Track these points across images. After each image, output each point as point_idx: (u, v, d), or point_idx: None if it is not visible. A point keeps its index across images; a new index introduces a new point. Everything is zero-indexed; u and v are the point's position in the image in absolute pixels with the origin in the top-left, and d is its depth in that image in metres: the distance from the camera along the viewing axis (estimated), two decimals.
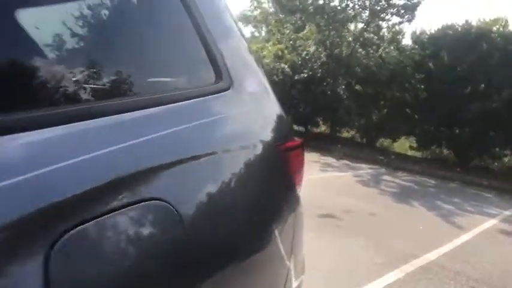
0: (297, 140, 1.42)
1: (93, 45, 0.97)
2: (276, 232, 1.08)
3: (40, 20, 0.99)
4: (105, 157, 0.67)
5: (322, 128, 14.03)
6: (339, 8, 11.21)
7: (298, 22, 11.92)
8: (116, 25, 0.97)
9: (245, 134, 1.06)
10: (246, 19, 16.08)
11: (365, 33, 11.91)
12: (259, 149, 1.08)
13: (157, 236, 0.69)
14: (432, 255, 3.80)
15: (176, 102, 0.89)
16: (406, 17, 10.98)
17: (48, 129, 0.62)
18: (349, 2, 11.19)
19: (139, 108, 0.79)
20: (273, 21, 12.68)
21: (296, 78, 11.73)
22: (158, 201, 0.70)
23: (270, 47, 13.44)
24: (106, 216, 0.63)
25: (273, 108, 1.27)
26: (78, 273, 0.58)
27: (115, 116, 0.73)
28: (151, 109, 0.81)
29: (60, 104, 0.76)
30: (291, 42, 11.94)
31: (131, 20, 0.98)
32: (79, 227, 0.58)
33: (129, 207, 0.66)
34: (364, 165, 9.37)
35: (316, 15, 10.87)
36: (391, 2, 10.83)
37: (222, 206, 0.88)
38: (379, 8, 11.13)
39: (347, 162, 9.53)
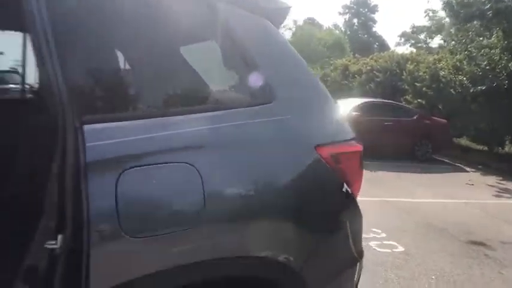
0: (354, 146, 1.61)
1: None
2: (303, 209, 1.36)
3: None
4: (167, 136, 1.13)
5: None
6: None
7: (481, 29, 10.61)
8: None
9: (283, 134, 1.36)
10: (420, 30, 15.14)
11: None
12: (293, 147, 1.37)
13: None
14: None
15: (224, 109, 1.30)
16: None
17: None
18: None
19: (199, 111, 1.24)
20: (451, 30, 11.62)
21: (472, 91, 10.47)
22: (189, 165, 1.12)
23: (448, 59, 12.37)
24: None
25: (321, 117, 1.52)
26: (130, 190, 1.05)
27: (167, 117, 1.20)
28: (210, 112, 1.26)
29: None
30: (465, 52, 10.73)
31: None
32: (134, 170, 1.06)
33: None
34: None
35: (499, 20, 9.49)
36: None
37: (245, 177, 1.24)
38: None
39: None
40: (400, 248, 3.90)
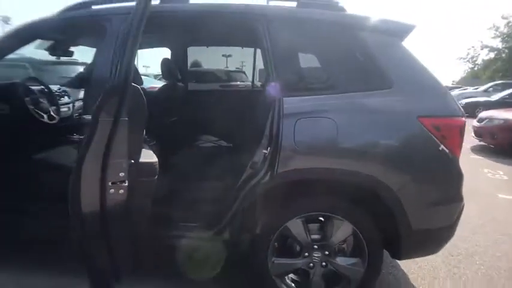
0: (456, 120, 2.29)
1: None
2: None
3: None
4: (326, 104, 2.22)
5: None
6: None
7: None
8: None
9: (394, 107, 2.20)
10: None
11: None
12: (400, 116, 2.20)
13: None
14: None
15: (359, 91, 2.26)
16: None
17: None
18: None
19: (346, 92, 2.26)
20: None
21: None
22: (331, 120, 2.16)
23: None
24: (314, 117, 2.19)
25: (427, 99, 2.26)
26: (300, 128, 2.15)
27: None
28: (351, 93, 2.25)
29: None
30: None
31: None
32: (303, 119, 2.17)
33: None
34: None
35: None
36: None
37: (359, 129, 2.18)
38: None
39: None
40: None
